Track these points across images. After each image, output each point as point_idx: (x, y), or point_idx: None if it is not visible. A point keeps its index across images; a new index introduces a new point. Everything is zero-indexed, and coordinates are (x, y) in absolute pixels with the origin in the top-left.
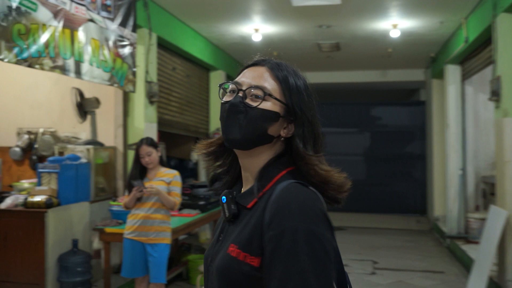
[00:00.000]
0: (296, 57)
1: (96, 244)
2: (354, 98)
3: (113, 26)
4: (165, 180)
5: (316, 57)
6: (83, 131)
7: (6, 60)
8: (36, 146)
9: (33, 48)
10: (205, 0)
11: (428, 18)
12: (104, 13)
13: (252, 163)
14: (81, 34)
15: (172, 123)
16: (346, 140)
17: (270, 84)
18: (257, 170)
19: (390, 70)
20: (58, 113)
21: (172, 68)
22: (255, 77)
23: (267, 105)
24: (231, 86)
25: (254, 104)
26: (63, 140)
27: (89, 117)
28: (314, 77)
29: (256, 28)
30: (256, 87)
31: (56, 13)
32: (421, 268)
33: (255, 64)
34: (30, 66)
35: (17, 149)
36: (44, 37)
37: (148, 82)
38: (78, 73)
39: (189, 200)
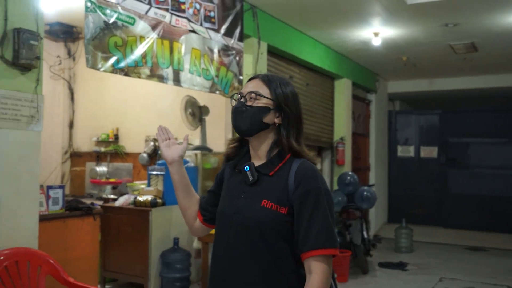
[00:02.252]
0: (428, 61)
1: (196, 243)
2: (503, 105)
3: (218, 36)
4: None
5: (451, 60)
6: (198, 138)
7: (102, 69)
8: (159, 152)
9: (130, 58)
10: (318, 6)
11: None
12: (207, 24)
13: (260, 145)
14: (181, 45)
15: None
16: (493, 151)
17: (261, 88)
18: (266, 150)
19: None
20: (179, 121)
21: (289, 76)
22: (252, 86)
23: (261, 102)
24: (237, 96)
25: (252, 103)
26: None
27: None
28: (453, 83)
29: (376, 32)
30: (252, 92)
31: (154, 26)
32: None
33: (252, 78)
34: (126, 74)
35: (145, 155)
36: (141, 48)
37: None
38: (177, 81)
39: None
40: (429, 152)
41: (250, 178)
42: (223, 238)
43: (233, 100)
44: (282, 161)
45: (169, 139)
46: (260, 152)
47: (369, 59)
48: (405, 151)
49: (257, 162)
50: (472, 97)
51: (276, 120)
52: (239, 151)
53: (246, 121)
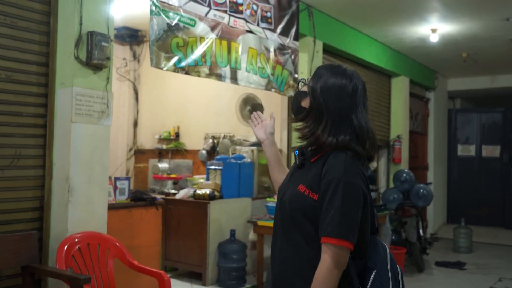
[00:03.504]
0: (490, 57)
1: (251, 235)
2: None
3: (274, 36)
4: None
5: None
6: (254, 134)
7: (165, 68)
8: (217, 149)
9: (191, 58)
10: (373, 4)
11: None
12: (264, 24)
13: None
14: (238, 44)
15: None
16: None
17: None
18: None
19: None
20: (236, 119)
21: None
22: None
23: (304, 88)
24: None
25: (301, 88)
26: (236, 143)
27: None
28: None
29: (433, 28)
30: (303, 79)
31: (213, 27)
32: None
33: None
34: (187, 73)
35: (204, 151)
36: (201, 48)
37: None
38: (234, 79)
39: None
40: (491, 151)
41: (297, 162)
42: (275, 214)
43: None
44: (324, 150)
45: (262, 121)
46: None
47: (427, 56)
48: (466, 150)
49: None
50: None
51: (307, 105)
52: None
53: (293, 101)
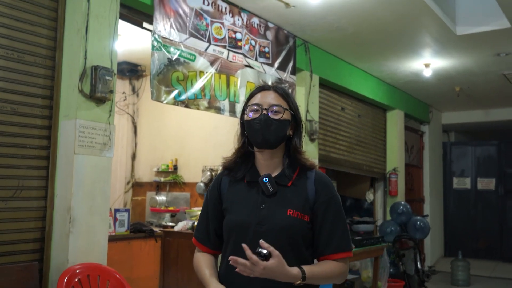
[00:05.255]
0: (482, 91)
1: None
2: None
3: (272, 70)
4: None
5: (506, 90)
6: None
7: (165, 101)
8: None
9: (190, 92)
10: (368, 40)
11: None
12: (262, 59)
13: (274, 156)
14: (237, 78)
15: (340, 162)
16: None
17: (281, 101)
18: (279, 161)
19: None
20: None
21: (340, 108)
22: (272, 99)
23: (283, 115)
24: (254, 107)
25: (277, 117)
26: None
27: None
28: (510, 114)
29: (426, 63)
30: (276, 105)
31: (213, 62)
32: None
33: (263, 89)
34: (186, 106)
35: (201, 184)
36: (201, 82)
37: (308, 121)
38: (232, 112)
39: None
40: (487, 184)
41: (271, 189)
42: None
43: (249, 112)
44: (295, 172)
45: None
46: (272, 163)
47: (421, 90)
48: (461, 183)
49: (270, 173)
50: None
51: (290, 132)
52: (240, 162)
53: (273, 134)
